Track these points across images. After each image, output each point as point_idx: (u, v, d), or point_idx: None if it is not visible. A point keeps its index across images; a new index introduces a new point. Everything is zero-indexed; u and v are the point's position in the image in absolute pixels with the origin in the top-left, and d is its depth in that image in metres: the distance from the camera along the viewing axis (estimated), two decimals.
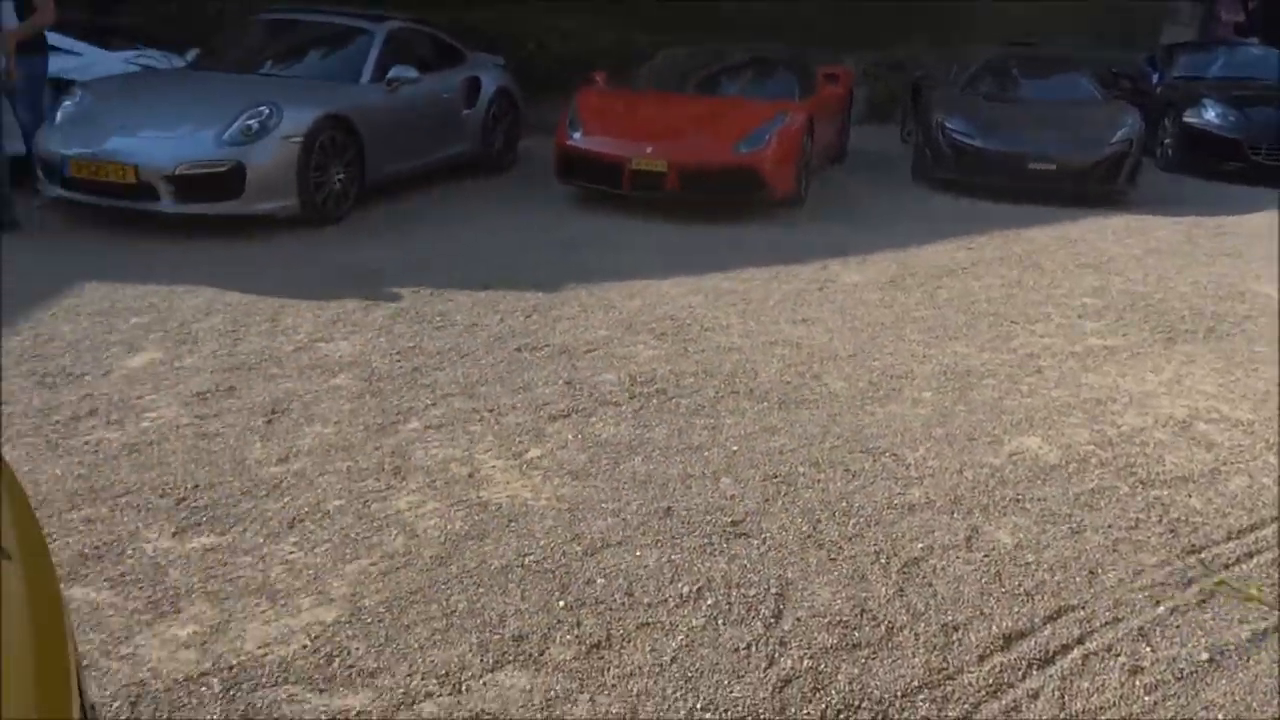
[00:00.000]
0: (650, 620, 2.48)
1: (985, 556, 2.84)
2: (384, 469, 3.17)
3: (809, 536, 2.90)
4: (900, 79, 11.80)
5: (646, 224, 6.81)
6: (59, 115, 6.07)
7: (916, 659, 2.39)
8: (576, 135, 7.29)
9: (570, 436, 3.47)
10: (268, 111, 5.92)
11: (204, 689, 2.16)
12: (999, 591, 2.68)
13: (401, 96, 6.98)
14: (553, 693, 2.21)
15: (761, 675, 2.30)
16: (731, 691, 2.25)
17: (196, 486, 2.99)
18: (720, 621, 2.49)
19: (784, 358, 4.31)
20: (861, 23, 12.23)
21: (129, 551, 2.65)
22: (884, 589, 2.66)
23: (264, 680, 2.20)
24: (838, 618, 2.53)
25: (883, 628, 2.50)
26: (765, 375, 4.10)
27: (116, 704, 2.10)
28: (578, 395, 3.81)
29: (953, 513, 3.08)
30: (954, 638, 2.48)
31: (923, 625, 2.52)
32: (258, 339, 4.23)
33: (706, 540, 2.85)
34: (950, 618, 2.55)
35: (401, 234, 6.23)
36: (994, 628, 2.53)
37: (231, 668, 2.23)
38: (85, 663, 2.21)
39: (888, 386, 4.05)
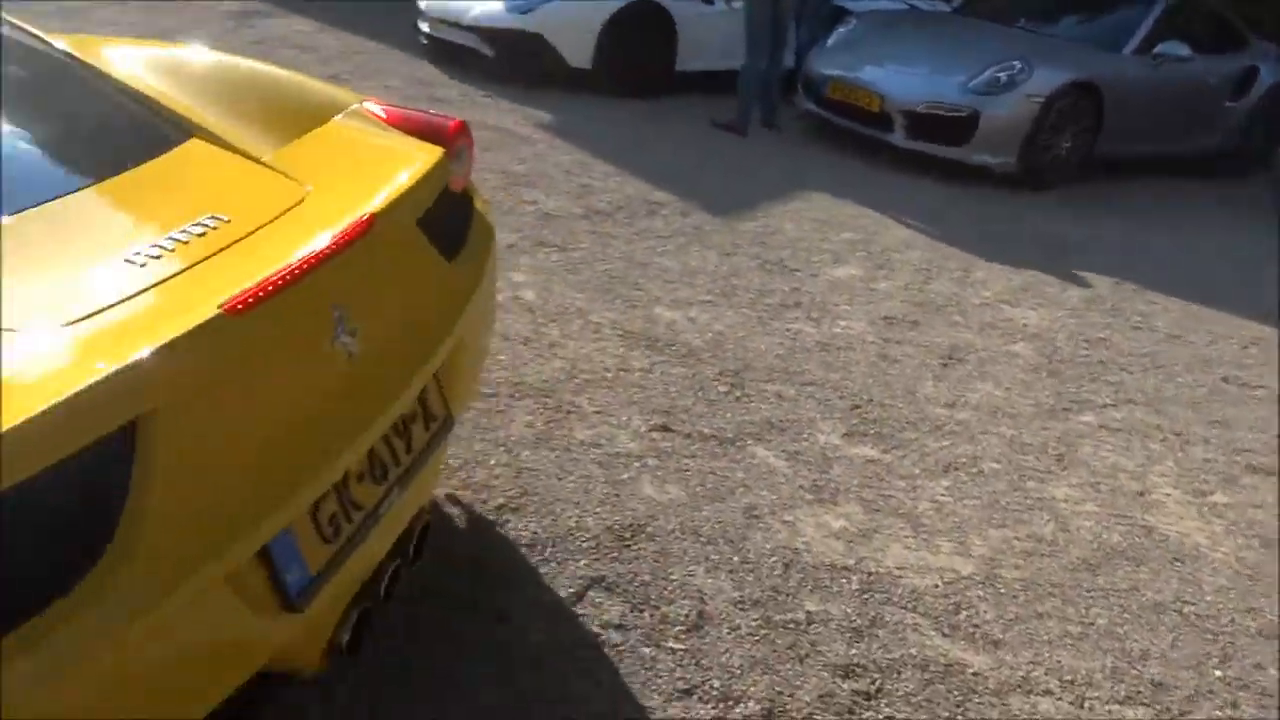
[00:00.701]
0: None
1: None
2: (1047, 451, 3.05)
3: None
4: None
5: None
6: (831, 40, 6.72)
7: None
8: None
9: (1270, 497, 2.97)
10: (1019, 67, 5.86)
11: (843, 581, 2.33)
12: None
13: (1162, 74, 6.39)
14: None
15: None
16: None
17: (870, 400, 3.19)
18: None
19: None
20: None
21: (805, 435, 2.93)
22: None
23: (895, 599, 2.30)
24: None
25: None
26: None
27: (773, 559, 2.37)
28: None
29: None
30: None
31: None
32: (947, 284, 4.31)
33: None
34: None
35: (1116, 219, 5.79)
36: None
37: (870, 574, 2.37)
38: (756, 513, 2.53)
39: None
